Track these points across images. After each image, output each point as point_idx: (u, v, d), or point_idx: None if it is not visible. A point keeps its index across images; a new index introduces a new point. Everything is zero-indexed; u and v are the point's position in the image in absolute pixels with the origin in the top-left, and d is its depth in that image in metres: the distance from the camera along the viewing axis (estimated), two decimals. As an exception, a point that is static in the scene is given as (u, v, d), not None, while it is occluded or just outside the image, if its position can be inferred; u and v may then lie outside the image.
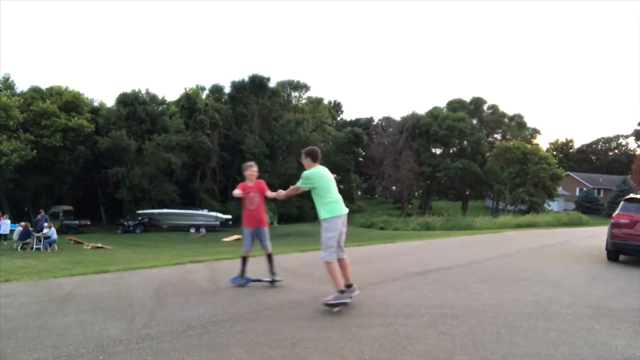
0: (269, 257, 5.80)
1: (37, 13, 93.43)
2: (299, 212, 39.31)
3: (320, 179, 4.85)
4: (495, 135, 53.76)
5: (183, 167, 36.58)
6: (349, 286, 4.78)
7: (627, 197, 9.53)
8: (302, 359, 3.17)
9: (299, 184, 4.91)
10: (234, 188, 5.97)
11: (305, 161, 5.01)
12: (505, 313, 4.57)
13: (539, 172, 38.38)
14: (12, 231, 21.66)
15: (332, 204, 4.79)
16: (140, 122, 36.63)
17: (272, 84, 43.86)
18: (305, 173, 4.90)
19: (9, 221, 22.95)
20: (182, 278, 6.19)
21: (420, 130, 46.83)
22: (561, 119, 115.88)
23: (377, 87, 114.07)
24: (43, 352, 3.15)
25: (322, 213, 4.76)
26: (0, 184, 31.74)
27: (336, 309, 4.46)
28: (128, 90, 37.69)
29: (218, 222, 32.62)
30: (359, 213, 45.07)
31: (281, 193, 5.36)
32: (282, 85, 45.85)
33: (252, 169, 5.85)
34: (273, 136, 41.86)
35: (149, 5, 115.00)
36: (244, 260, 5.76)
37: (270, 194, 5.66)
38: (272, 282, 5.77)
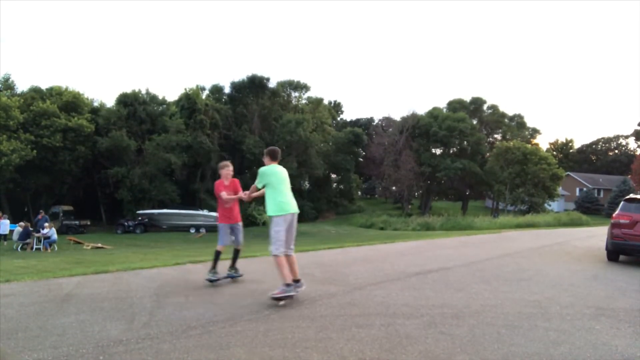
0: (237, 253, 6.08)
1: (37, 13, 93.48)
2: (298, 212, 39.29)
3: (273, 175, 5.08)
4: (496, 136, 53.77)
5: (183, 167, 36.60)
6: (296, 281, 5.07)
7: (627, 197, 9.54)
8: (302, 359, 3.17)
9: (256, 182, 5.20)
10: None
11: (265, 159, 5.28)
12: (505, 313, 4.57)
13: (539, 172, 38.37)
14: (11, 231, 21.65)
15: (282, 202, 4.98)
16: (140, 122, 36.61)
17: (272, 84, 43.94)
18: (260, 169, 5.19)
19: (7, 221, 22.90)
20: (182, 278, 6.19)
21: (420, 131, 46.84)
22: (561, 119, 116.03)
23: (377, 87, 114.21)
24: (43, 352, 3.15)
25: (271, 209, 4.96)
26: (0, 184, 31.74)
27: (282, 302, 4.65)
28: (128, 90, 37.74)
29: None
30: (359, 213, 45.13)
31: (246, 194, 5.62)
32: (282, 85, 45.85)
33: (228, 169, 6.02)
34: (273, 136, 41.86)
35: (149, 5, 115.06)
36: (219, 255, 5.88)
37: (241, 194, 5.87)
38: (232, 277, 6.01)
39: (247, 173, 39.80)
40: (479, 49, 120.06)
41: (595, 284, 6.57)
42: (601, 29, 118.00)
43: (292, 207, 5.05)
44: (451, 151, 47.22)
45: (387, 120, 54.97)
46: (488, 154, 47.44)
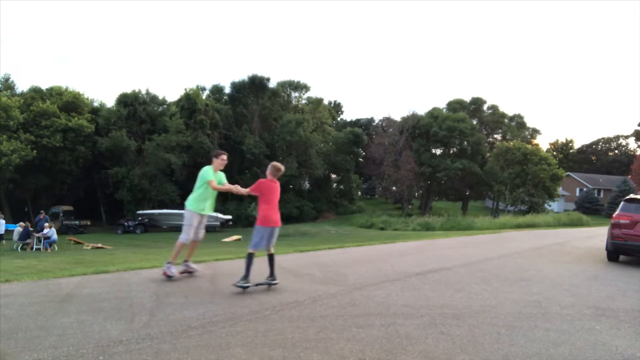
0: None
1: (37, 13, 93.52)
2: (298, 212, 39.30)
3: None
4: (496, 136, 53.73)
5: (183, 168, 36.58)
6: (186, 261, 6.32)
7: (627, 197, 9.53)
8: (302, 359, 3.17)
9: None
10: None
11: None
12: (505, 313, 4.57)
13: (539, 172, 38.36)
14: (10, 231, 21.62)
15: None
16: (140, 123, 36.63)
17: (272, 84, 43.92)
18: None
19: (3, 221, 22.80)
20: (182, 278, 6.18)
21: (420, 131, 46.79)
22: (561, 119, 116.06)
23: (377, 87, 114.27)
24: (43, 352, 3.14)
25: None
26: (0, 184, 31.74)
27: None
28: (128, 90, 37.81)
29: (218, 223, 32.55)
30: (359, 213, 45.08)
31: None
32: (282, 85, 45.81)
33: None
34: (273, 136, 41.85)
35: (149, 6, 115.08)
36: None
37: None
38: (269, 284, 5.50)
39: (247, 173, 39.82)
40: (478, 49, 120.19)
41: (596, 284, 6.57)
42: (601, 29, 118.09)
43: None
44: (451, 151, 47.17)
45: (387, 121, 54.88)
46: (488, 154, 47.41)
